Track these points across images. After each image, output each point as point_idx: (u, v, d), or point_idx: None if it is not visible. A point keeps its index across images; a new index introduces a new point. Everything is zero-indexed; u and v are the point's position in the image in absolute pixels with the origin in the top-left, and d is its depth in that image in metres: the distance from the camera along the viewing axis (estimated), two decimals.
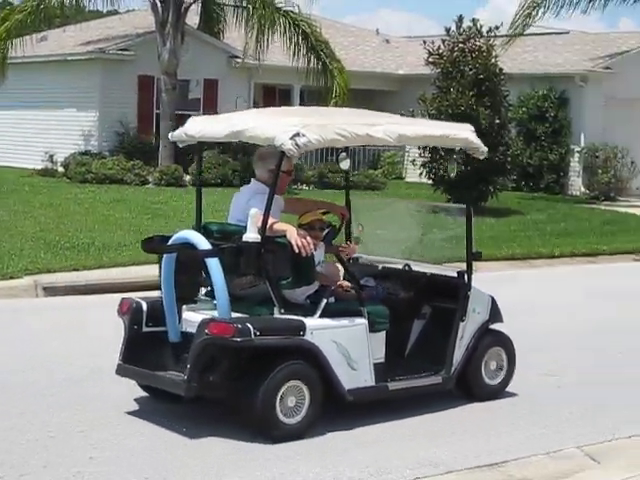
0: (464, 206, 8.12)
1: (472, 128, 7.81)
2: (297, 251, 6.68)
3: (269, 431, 6.63)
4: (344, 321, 6.98)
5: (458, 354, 7.61)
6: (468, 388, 7.80)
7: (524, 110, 26.57)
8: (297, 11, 24.71)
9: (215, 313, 6.77)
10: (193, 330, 6.75)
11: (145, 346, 7.04)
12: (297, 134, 6.59)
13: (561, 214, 21.74)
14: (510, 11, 68.43)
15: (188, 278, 7.07)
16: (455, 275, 7.79)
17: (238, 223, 7.08)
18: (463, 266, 7.79)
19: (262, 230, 6.69)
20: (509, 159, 21.74)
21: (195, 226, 7.48)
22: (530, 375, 8.39)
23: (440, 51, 22.00)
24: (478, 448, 6.68)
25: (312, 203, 8.01)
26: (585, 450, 6.74)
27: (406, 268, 8.06)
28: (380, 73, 31.16)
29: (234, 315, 6.69)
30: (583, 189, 26.76)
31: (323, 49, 24.17)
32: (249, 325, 6.51)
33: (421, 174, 21.71)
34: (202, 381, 6.59)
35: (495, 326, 8.01)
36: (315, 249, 6.87)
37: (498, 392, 7.92)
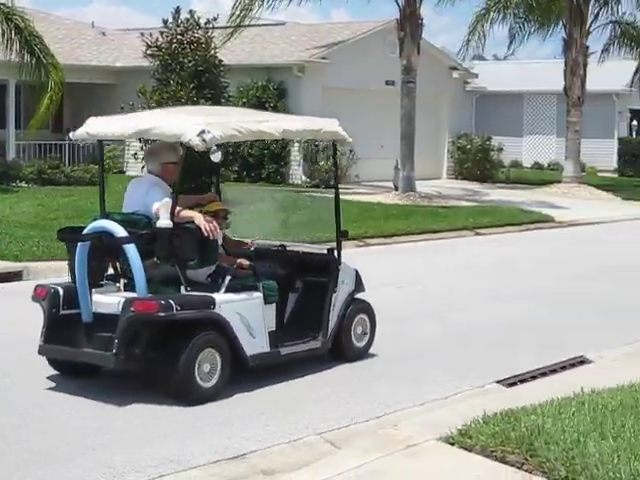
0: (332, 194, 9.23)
1: (338, 122, 9.04)
2: (206, 235, 7.69)
3: (188, 395, 7.45)
4: (244, 295, 7.97)
5: (332, 321, 8.68)
6: (341, 351, 8.84)
7: (244, 101, 26.85)
8: (10, 4, 23.58)
9: (120, 294, 7.78)
10: (103, 310, 7.65)
11: (63, 327, 7.78)
12: (203, 131, 7.45)
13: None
14: (227, 3, 69.05)
15: (97, 264, 7.88)
16: (325, 252, 9.02)
17: (136, 212, 7.94)
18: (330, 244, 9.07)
19: (171, 217, 7.59)
20: (230, 150, 21.87)
21: (100, 215, 8.22)
22: None
23: (158, 43, 21.77)
24: (223, 442, 6.64)
25: (189, 198, 8.60)
26: (325, 437, 6.87)
27: (280, 248, 9.01)
28: (97, 66, 30.51)
29: (120, 296, 7.69)
30: (304, 177, 27.48)
31: (37, 44, 23.23)
32: (171, 301, 7.38)
33: (143, 167, 21.38)
34: (128, 354, 7.38)
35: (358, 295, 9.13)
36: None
37: (364, 353, 9.05)
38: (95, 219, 8.11)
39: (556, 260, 16.68)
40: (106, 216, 8.11)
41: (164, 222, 7.63)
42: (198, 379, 7.46)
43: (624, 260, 16.43)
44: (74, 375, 8.01)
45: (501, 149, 33.69)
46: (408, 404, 7.68)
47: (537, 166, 39.62)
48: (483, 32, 28.30)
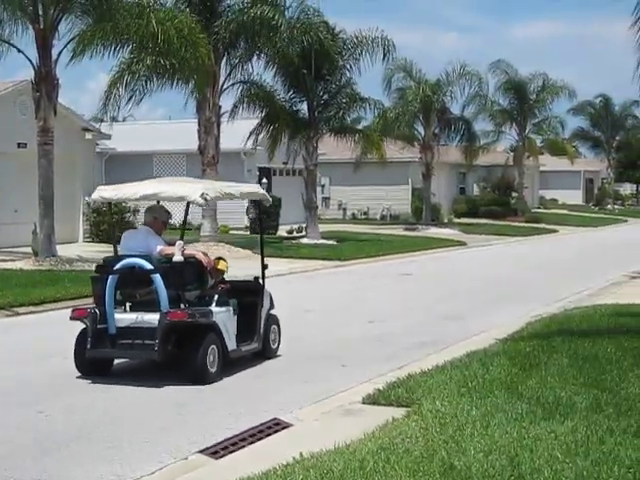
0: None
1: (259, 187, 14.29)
2: (206, 266, 11.39)
3: (204, 378, 10.71)
4: (224, 309, 11.32)
5: (260, 330, 12.13)
6: (264, 351, 12.29)
7: None
8: None
9: (129, 315, 11.05)
10: (121, 325, 10.92)
11: (101, 337, 10.92)
12: (203, 193, 11.13)
13: None
14: None
15: (126, 290, 11.21)
16: (252, 280, 12.64)
17: (134, 253, 11.10)
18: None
19: (170, 256, 11.05)
20: None
21: (114, 256, 11.61)
22: None
23: None
24: None
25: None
26: None
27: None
28: None
29: (134, 314, 11.02)
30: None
31: None
32: (193, 312, 10.82)
33: None
34: (164, 350, 10.68)
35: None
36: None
37: (275, 352, 12.58)
38: (112, 258, 11.50)
39: None
40: (119, 257, 11.36)
41: (178, 258, 10.96)
42: (209, 366, 10.77)
43: None
44: (97, 373, 11.11)
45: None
46: None
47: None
48: (118, 94, 27.93)
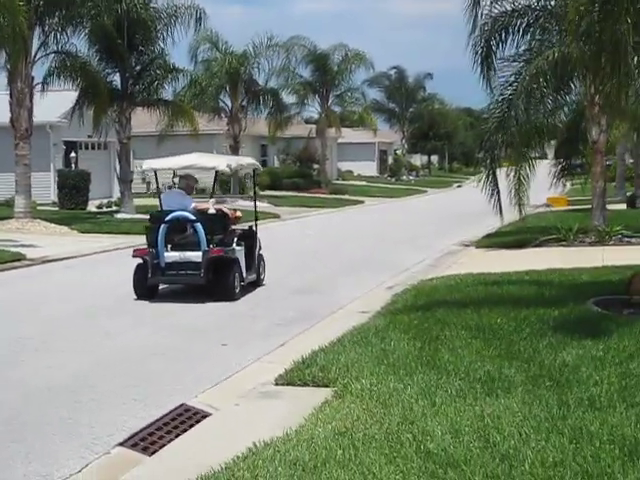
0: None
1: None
2: (230, 217, 16.11)
3: (233, 297, 15.02)
4: (240, 247, 15.74)
5: (255, 264, 16.53)
6: (257, 280, 16.57)
7: None
8: None
9: (173, 254, 15.15)
10: (169, 260, 15.09)
11: (155, 269, 15.07)
12: (228, 164, 16.01)
13: None
14: None
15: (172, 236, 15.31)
16: (248, 228, 16.86)
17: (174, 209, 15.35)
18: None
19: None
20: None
21: (160, 211, 15.72)
22: None
23: None
24: None
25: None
26: None
27: None
28: None
29: (177, 253, 15.18)
30: None
31: None
32: (226, 249, 15.20)
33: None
34: (207, 276, 14.93)
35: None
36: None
37: (262, 281, 16.90)
38: (160, 213, 15.56)
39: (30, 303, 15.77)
40: (165, 212, 15.42)
41: (212, 211, 15.67)
42: (236, 287, 15.17)
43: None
44: (150, 297, 15.20)
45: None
46: None
47: None
48: None
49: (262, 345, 11.48)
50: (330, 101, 57.65)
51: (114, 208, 37.85)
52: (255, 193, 18.92)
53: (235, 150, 46.36)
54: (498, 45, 23.50)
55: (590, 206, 24.13)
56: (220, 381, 9.63)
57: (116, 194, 42.42)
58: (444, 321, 11.20)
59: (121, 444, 7.54)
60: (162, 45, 34.17)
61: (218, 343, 11.71)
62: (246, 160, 18.16)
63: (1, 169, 36.54)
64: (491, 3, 23.49)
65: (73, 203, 36.75)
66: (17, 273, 19.88)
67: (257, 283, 16.55)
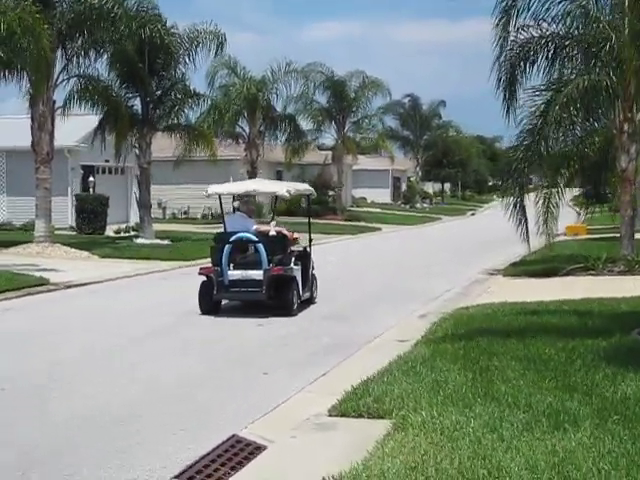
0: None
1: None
2: (289, 238, 17.35)
3: (292, 312, 16.28)
4: (297, 267, 16.95)
5: (310, 283, 17.76)
6: (311, 298, 17.88)
7: None
8: None
9: (235, 272, 16.38)
10: (232, 278, 16.31)
11: (222, 286, 16.33)
12: (288, 190, 17.28)
13: None
14: None
15: (235, 255, 16.60)
16: (302, 249, 18.00)
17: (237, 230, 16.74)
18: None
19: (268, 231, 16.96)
20: None
21: (225, 233, 17.10)
22: None
23: None
24: None
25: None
26: None
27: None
28: None
29: (239, 271, 16.45)
30: None
31: None
32: (285, 268, 16.50)
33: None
34: (269, 293, 16.26)
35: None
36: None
37: (315, 299, 18.13)
38: (225, 234, 16.98)
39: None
40: (228, 233, 16.82)
41: (272, 233, 16.79)
42: (295, 303, 16.44)
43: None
44: (214, 312, 16.43)
45: None
46: None
47: None
48: None
49: (303, 374, 11.29)
50: (347, 127, 57.59)
51: (132, 233, 37.73)
52: (309, 217, 20.41)
53: (253, 176, 46.12)
54: (523, 72, 23.45)
55: (612, 235, 23.96)
56: (267, 412, 9.44)
57: (133, 219, 42.37)
58: (490, 351, 11.00)
59: (177, 477, 7.35)
60: (183, 70, 34.13)
61: (259, 371, 11.52)
62: (302, 186, 20.41)
63: (19, 193, 36.60)
64: (517, 30, 23.46)
65: (91, 228, 36.66)
66: (43, 297, 19.72)
67: (310, 300, 17.80)
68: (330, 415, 8.69)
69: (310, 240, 18.49)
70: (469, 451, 6.80)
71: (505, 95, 22.85)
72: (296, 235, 18.06)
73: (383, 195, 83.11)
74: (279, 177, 59.63)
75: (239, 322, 15.94)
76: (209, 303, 16.46)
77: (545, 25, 22.96)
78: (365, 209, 67.39)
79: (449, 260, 29.28)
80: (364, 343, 13.63)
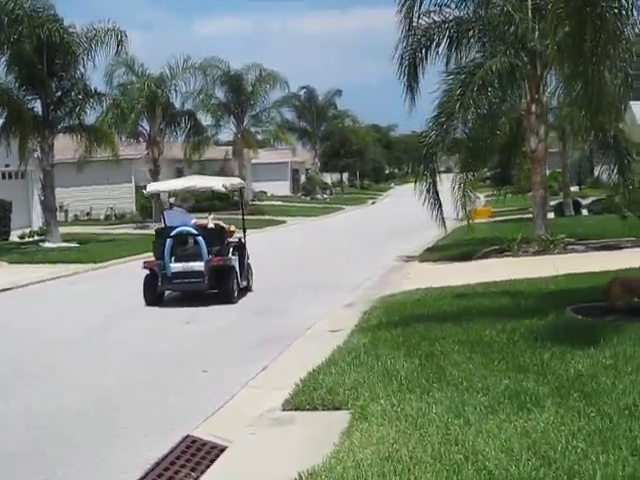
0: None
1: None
2: (227, 230, 18.19)
3: (232, 300, 17.06)
4: (235, 257, 17.78)
5: (246, 272, 18.56)
6: (247, 286, 18.67)
7: None
8: None
9: (177, 264, 17.16)
10: (174, 270, 17.09)
11: (163, 279, 17.16)
12: (223, 184, 18.36)
13: None
14: None
15: (176, 248, 17.42)
16: (237, 240, 18.70)
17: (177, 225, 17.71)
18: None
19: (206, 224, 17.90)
20: None
21: (165, 227, 18.07)
22: None
23: None
24: None
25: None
26: None
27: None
28: None
29: (180, 264, 17.21)
30: None
31: None
32: (225, 259, 17.39)
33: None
34: (210, 283, 17.14)
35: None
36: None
37: (251, 288, 18.88)
38: (164, 229, 17.97)
39: None
40: (168, 227, 17.74)
41: (211, 225, 17.78)
42: (235, 291, 17.34)
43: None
44: (157, 304, 17.28)
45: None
46: None
47: None
48: None
49: (242, 370, 11.12)
50: (246, 122, 57.26)
51: (36, 238, 36.79)
52: (242, 209, 20.94)
53: (156, 174, 45.61)
54: (426, 58, 23.60)
55: (517, 216, 24.26)
56: (216, 410, 9.24)
57: (36, 224, 41.31)
58: (430, 336, 10.98)
59: None
60: (82, 70, 33.36)
61: (197, 369, 11.31)
62: (235, 180, 21.22)
63: None
64: (419, 17, 23.58)
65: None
66: None
67: (247, 288, 18.57)
68: (284, 409, 8.54)
69: (244, 231, 19.41)
70: (439, 437, 6.73)
71: (409, 81, 22.99)
72: (233, 228, 18.71)
73: (283, 188, 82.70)
74: (180, 174, 58.92)
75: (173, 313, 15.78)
76: (153, 295, 17.32)
77: (448, 10, 23.20)
78: (267, 202, 67.06)
79: (361, 249, 29.32)
80: (297, 335, 13.50)
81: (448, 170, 30.46)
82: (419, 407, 7.61)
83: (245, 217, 20.42)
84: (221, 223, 18.48)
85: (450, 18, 23.48)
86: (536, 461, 6.00)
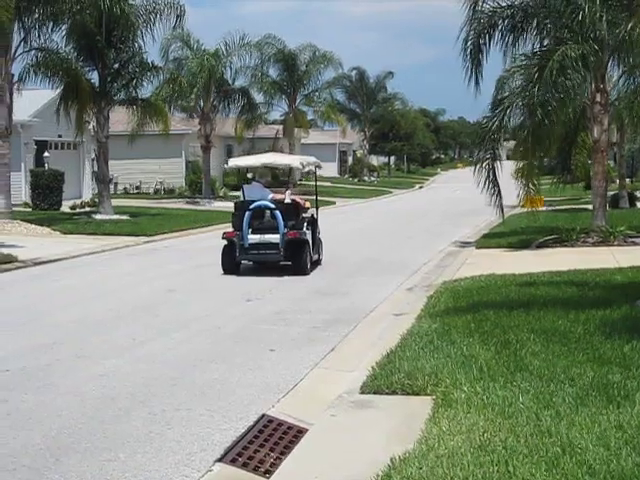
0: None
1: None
2: (302, 206, 19.29)
3: (306, 271, 18.12)
4: (309, 231, 18.60)
5: (318, 246, 19.58)
6: (318, 259, 19.57)
7: None
8: None
9: (254, 236, 18.25)
10: (251, 242, 18.21)
11: (241, 249, 18.25)
12: (301, 162, 20.09)
13: None
14: None
15: (254, 221, 18.41)
16: (310, 215, 19.49)
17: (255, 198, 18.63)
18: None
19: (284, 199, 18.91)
20: None
21: (246, 200, 18.82)
22: None
23: None
24: None
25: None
26: None
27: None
28: None
29: (257, 235, 18.36)
30: None
31: None
32: (300, 232, 18.30)
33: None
34: (285, 255, 18.20)
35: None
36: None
37: (321, 261, 19.82)
38: (244, 202, 18.78)
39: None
40: (247, 201, 18.59)
41: (287, 200, 18.58)
42: (308, 264, 18.30)
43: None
44: (235, 272, 18.24)
45: None
46: None
47: None
48: None
49: (310, 350, 11.06)
50: (298, 101, 57.11)
51: (87, 209, 37.03)
52: (316, 186, 22.35)
53: (207, 150, 45.70)
54: (489, 43, 23.31)
55: (571, 206, 23.93)
56: (289, 390, 9.18)
57: (86, 195, 41.61)
58: (502, 324, 10.85)
59: (220, 460, 7.07)
60: (141, 42, 33.41)
61: (265, 348, 11.26)
62: (311, 158, 21.25)
63: None
64: (483, 1, 23.30)
65: (47, 204, 35.89)
66: (12, 276, 19.20)
67: (318, 262, 19.46)
68: (362, 393, 8.46)
69: (317, 207, 20.31)
70: (531, 428, 6.61)
71: (473, 65, 22.74)
72: (308, 204, 19.57)
73: (330, 169, 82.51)
74: (229, 151, 59.13)
75: (240, 286, 15.71)
76: (231, 263, 18.32)
77: None
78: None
79: (415, 232, 29.18)
80: (361, 318, 13.43)
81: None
82: (504, 396, 7.49)
83: (300, 196, 20.84)
84: (297, 198, 19.36)
85: (516, 3, 23.20)
86: (636, 457, 5.87)
